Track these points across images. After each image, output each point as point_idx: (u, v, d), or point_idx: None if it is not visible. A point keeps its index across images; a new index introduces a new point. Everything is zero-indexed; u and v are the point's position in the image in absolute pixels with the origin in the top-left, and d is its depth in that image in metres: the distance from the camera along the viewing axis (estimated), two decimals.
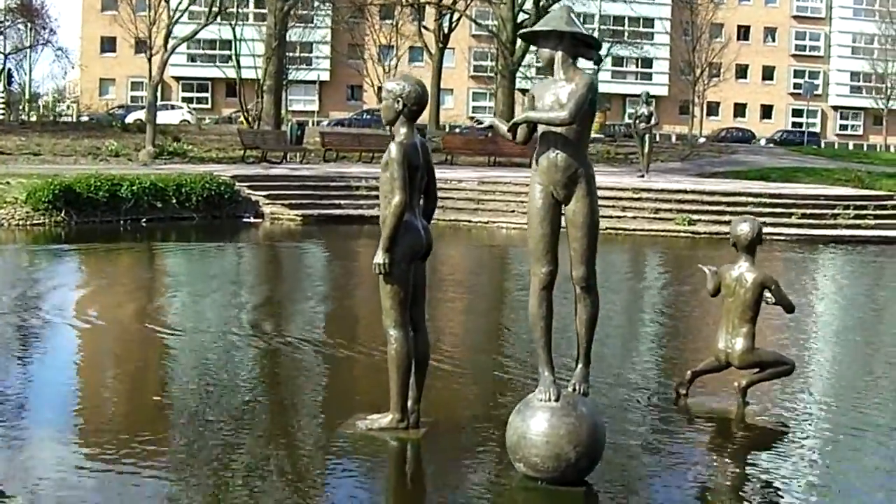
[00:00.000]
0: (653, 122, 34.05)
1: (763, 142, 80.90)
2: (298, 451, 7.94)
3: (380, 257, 7.67)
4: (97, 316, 13.24)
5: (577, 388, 7.30)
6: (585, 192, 7.00)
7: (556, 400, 7.05)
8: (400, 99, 7.76)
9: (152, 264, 20.31)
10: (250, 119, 44.82)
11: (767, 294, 9.15)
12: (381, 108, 7.93)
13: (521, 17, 53.70)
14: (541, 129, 7.01)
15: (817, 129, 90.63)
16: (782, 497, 7.36)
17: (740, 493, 7.45)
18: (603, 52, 67.34)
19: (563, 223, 7.15)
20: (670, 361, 11.79)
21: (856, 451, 8.31)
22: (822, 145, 79.68)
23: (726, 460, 8.24)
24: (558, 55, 7.01)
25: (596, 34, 63.11)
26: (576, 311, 7.31)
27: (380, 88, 52.82)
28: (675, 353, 12.45)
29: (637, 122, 34.55)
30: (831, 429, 8.85)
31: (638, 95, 36.29)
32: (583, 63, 7.23)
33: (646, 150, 34.30)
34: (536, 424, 7.02)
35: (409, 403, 8.08)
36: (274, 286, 17.63)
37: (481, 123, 7.40)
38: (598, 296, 7.30)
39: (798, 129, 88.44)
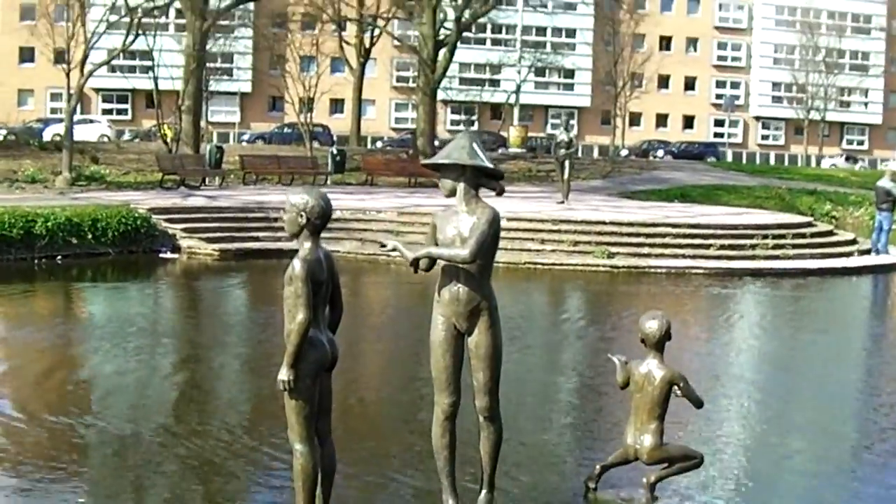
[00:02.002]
0: (572, 148, 34.17)
1: (661, 153, 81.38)
2: None
3: (284, 374, 7.55)
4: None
5: None
6: (488, 325, 6.95)
7: None
8: (304, 213, 7.65)
9: (67, 314, 19.98)
10: (168, 139, 44.27)
11: (676, 389, 9.13)
12: (285, 221, 7.81)
13: (443, 33, 53.77)
14: (442, 262, 6.95)
15: (726, 140, 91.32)
16: None
17: None
18: (525, 65, 67.67)
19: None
20: (585, 433, 11.81)
21: None
22: (719, 158, 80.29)
23: None
24: (460, 186, 6.96)
25: (518, 45, 63.59)
26: (479, 438, 7.26)
27: (301, 100, 53.38)
28: (589, 423, 12.42)
29: (556, 148, 34.61)
30: None
31: (560, 107, 36.34)
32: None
33: (565, 176, 34.31)
34: None
35: None
36: (192, 346, 17.31)
37: (385, 246, 7.31)
38: (501, 424, 7.26)
39: (696, 142, 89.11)
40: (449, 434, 7.12)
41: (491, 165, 6.95)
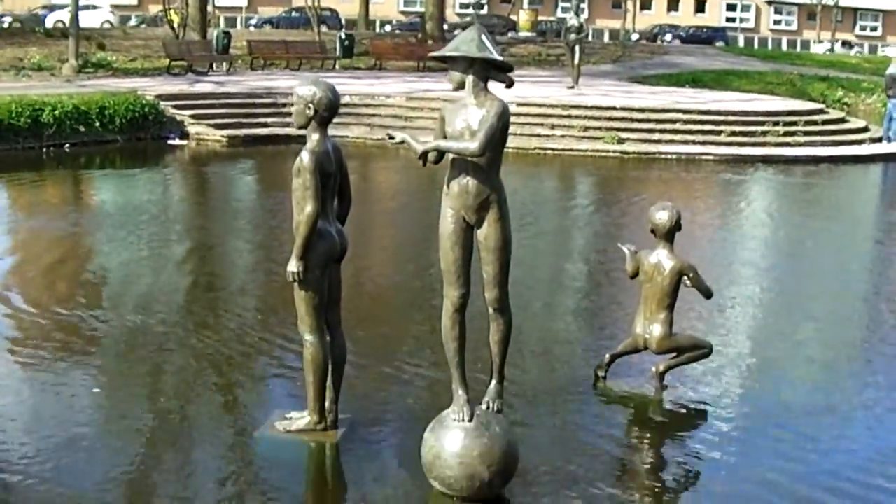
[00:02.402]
0: (583, 34, 33.91)
1: (669, 37, 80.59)
2: (214, 458, 7.91)
3: (293, 265, 7.57)
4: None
5: (490, 405, 7.30)
6: (497, 217, 6.92)
7: (470, 420, 7.05)
8: (311, 105, 7.59)
9: (77, 202, 20.02)
10: (174, 25, 43.87)
11: (686, 280, 9.15)
12: (293, 113, 7.76)
13: None
14: (451, 154, 6.92)
15: (738, 25, 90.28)
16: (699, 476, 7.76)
17: (659, 475, 7.83)
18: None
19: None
20: (594, 320, 11.88)
21: (778, 440, 8.42)
22: (728, 42, 79.41)
23: (645, 443, 8.47)
24: (469, 79, 6.89)
25: None
26: (489, 329, 7.29)
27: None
28: (599, 310, 12.48)
29: (567, 33, 34.34)
30: (750, 412, 8.99)
31: None
32: None
33: (576, 61, 34.10)
34: (450, 444, 7.02)
35: (327, 404, 8.04)
36: (204, 234, 17.34)
37: (393, 139, 7.26)
38: (511, 315, 7.28)
39: (705, 27, 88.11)
40: (459, 326, 7.14)
41: (500, 58, 6.86)
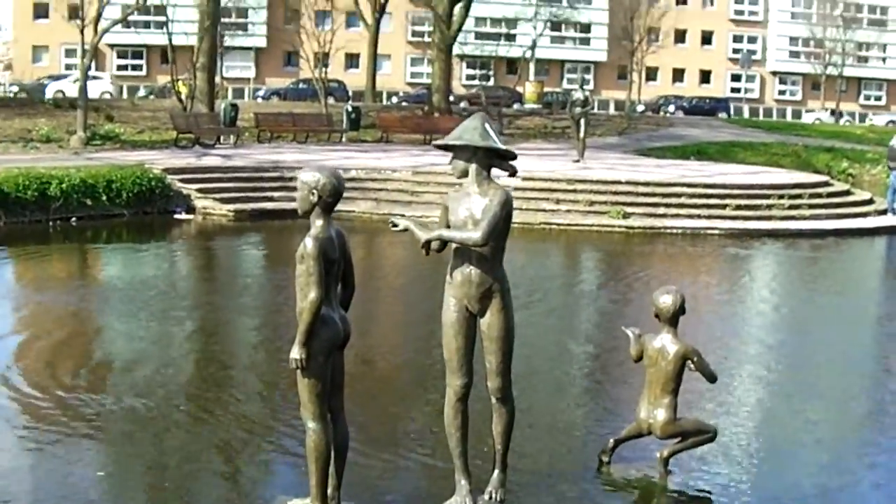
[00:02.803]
0: (588, 107, 34.08)
1: (672, 108, 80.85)
2: None
3: (296, 352, 7.54)
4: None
5: (493, 495, 7.28)
6: (500, 307, 6.94)
7: None
8: (315, 191, 7.61)
9: (84, 277, 20.05)
10: (182, 96, 44.18)
11: (690, 364, 9.11)
12: (297, 199, 7.77)
13: None
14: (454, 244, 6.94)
15: (742, 96, 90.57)
16: None
17: None
18: (541, 20, 67.17)
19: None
20: (598, 403, 11.82)
21: None
22: (730, 114, 79.73)
23: None
24: (472, 167, 6.93)
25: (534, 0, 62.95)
26: (492, 419, 7.27)
27: (316, 56, 53.16)
28: (603, 393, 12.42)
29: (572, 106, 34.50)
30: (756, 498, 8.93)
31: (576, 62, 35.91)
32: None
33: (581, 134, 34.22)
34: None
35: (329, 491, 7.99)
36: (211, 310, 17.34)
37: (396, 227, 7.28)
38: (514, 405, 7.29)
39: (707, 97, 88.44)
40: (461, 415, 7.15)
41: (503, 146, 6.92)
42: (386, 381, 12.76)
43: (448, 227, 7.03)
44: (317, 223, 7.65)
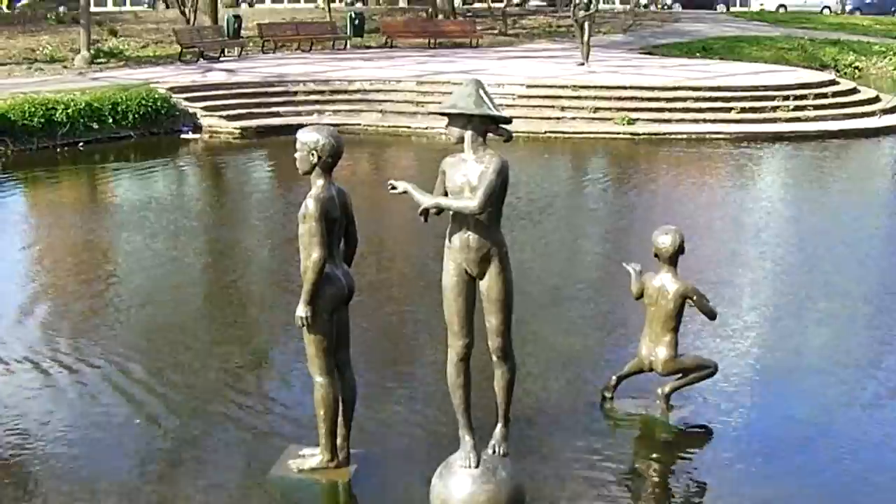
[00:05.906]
0: (592, 9, 33.81)
1: (669, 1, 79.76)
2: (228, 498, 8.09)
3: (301, 310, 7.71)
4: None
5: (496, 448, 7.48)
6: (499, 270, 7.09)
7: (476, 466, 7.23)
8: (315, 152, 7.70)
9: (95, 201, 20.35)
10: (186, 10, 43.87)
11: (690, 302, 9.26)
12: (297, 159, 7.86)
13: None
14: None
15: None
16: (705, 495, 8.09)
17: (666, 496, 8.20)
18: None
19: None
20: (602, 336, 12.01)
21: (775, 457, 8.57)
22: (728, 6, 78.55)
23: (652, 464, 8.68)
24: (468, 134, 7.01)
25: None
26: (494, 376, 7.47)
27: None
28: (607, 318, 12.58)
29: (576, 9, 34.22)
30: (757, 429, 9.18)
31: None
32: None
33: (585, 38, 33.95)
34: (457, 491, 7.21)
35: (339, 441, 8.21)
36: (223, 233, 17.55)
37: (395, 189, 7.39)
38: (514, 362, 7.47)
39: None
40: (463, 374, 7.34)
41: (498, 113, 7.00)
42: (393, 331, 12.84)
43: (445, 193, 7.15)
44: (318, 183, 7.76)
